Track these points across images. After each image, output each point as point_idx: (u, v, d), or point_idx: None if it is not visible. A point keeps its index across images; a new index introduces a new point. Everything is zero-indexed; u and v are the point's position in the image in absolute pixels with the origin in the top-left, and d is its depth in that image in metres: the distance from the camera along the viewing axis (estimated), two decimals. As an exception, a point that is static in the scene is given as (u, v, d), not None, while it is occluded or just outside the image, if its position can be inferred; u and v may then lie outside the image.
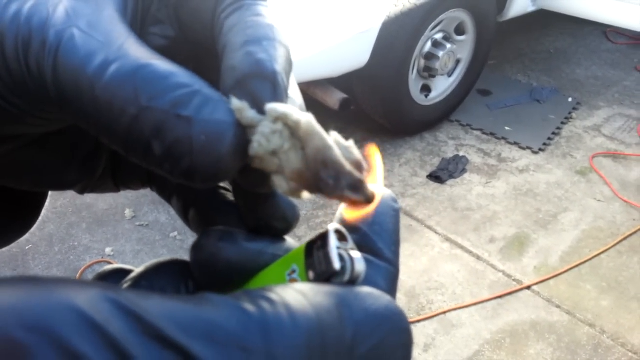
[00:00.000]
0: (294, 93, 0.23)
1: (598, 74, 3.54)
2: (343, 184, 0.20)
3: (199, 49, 0.24)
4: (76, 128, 0.26)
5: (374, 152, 0.24)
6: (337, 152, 0.20)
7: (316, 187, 0.20)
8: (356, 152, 0.21)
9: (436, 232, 2.32)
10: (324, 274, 0.20)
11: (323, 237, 0.21)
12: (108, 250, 2.21)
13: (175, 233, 2.28)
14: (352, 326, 0.18)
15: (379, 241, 0.23)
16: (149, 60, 0.19)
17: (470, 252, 2.22)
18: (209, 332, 0.16)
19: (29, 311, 0.15)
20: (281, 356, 0.16)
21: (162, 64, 0.19)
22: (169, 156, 0.19)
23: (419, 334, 1.89)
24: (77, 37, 0.18)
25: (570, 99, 3.26)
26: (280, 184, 0.20)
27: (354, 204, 0.21)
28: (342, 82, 2.54)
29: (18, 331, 0.14)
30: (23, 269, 2.14)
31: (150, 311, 0.16)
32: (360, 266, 0.21)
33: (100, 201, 2.45)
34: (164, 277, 0.25)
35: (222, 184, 0.28)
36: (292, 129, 0.20)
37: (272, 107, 0.19)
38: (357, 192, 0.20)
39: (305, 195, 0.21)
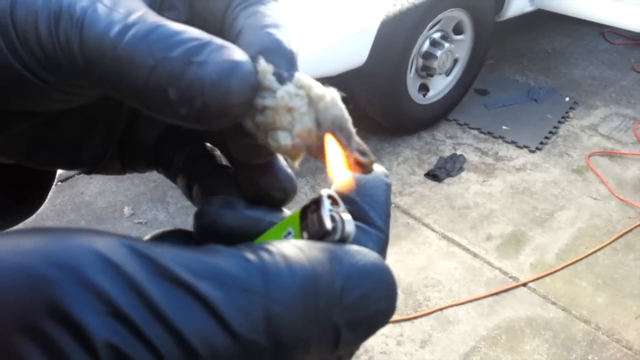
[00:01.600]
0: None
1: (595, 73, 3.56)
2: (353, 145, 0.22)
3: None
4: (91, 108, 0.28)
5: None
6: (350, 123, 0.22)
7: (317, 147, 0.22)
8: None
9: (433, 230, 2.33)
10: (317, 234, 0.22)
11: (316, 201, 0.23)
12: (78, 228, 2.22)
13: (174, 230, 2.29)
14: (341, 277, 0.20)
15: (370, 210, 0.25)
16: (164, 22, 0.20)
17: (467, 250, 2.23)
18: (214, 275, 0.18)
19: (54, 251, 0.16)
20: (278, 298, 0.18)
21: (177, 24, 0.20)
22: (184, 99, 0.20)
23: (416, 330, 1.90)
24: (100, 9, 0.20)
25: (567, 99, 3.28)
26: (284, 138, 0.22)
27: (356, 164, 0.22)
28: (340, 80, 2.55)
29: (44, 267, 0.16)
30: (22, 266, 2.14)
31: (162, 255, 0.17)
32: (350, 226, 0.23)
33: (99, 199, 2.46)
34: (175, 240, 0.27)
35: (224, 162, 0.30)
36: (312, 99, 0.22)
37: (300, 77, 0.22)
38: (364, 155, 0.22)
39: (299, 158, 0.23)
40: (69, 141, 0.29)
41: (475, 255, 2.21)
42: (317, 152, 0.22)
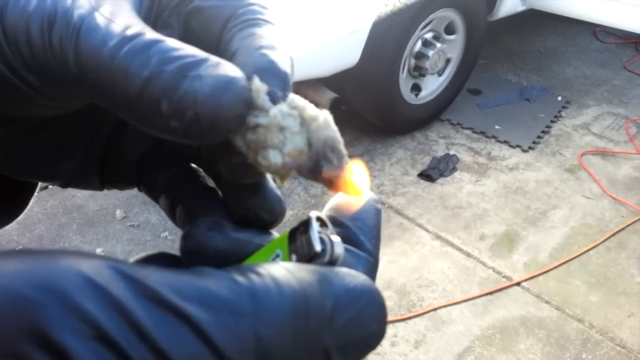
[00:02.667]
0: None
1: (587, 73, 3.57)
2: (343, 165, 0.22)
3: None
4: (72, 120, 0.28)
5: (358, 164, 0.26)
6: (342, 144, 0.23)
7: (307, 167, 0.22)
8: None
9: (427, 230, 2.33)
10: (305, 256, 0.22)
11: (305, 223, 0.23)
12: (99, 250, 2.21)
13: (166, 233, 2.28)
14: (331, 299, 0.20)
15: (361, 234, 0.25)
16: (162, 38, 0.20)
17: (460, 250, 2.23)
18: (201, 297, 0.17)
19: (37, 273, 0.16)
20: (267, 320, 0.18)
21: (175, 41, 0.21)
22: (175, 111, 0.20)
23: (410, 330, 1.90)
24: (98, 19, 0.20)
25: (559, 98, 3.28)
26: (275, 157, 0.22)
27: (348, 185, 0.23)
28: (333, 81, 2.55)
29: (28, 290, 0.15)
30: (13, 270, 2.13)
31: (148, 277, 0.17)
32: (339, 249, 0.23)
33: (91, 202, 2.45)
34: (161, 263, 0.27)
35: (208, 183, 0.30)
36: (304, 120, 0.22)
37: (292, 97, 0.22)
38: (354, 174, 0.23)
39: (289, 178, 0.23)
40: (47, 152, 0.28)
41: (468, 255, 2.21)
42: (307, 172, 0.22)
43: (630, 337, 1.88)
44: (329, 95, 2.56)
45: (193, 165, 0.31)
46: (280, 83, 0.22)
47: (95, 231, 2.30)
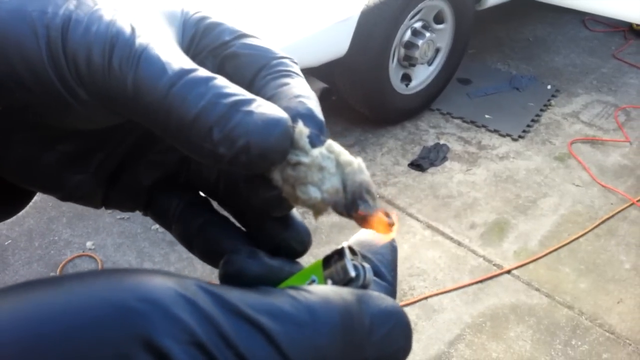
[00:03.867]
0: None
1: (576, 61, 3.58)
2: (377, 206, 0.25)
3: None
4: (90, 135, 0.29)
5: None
6: (374, 188, 0.25)
7: (344, 205, 0.25)
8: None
9: (417, 220, 2.33)
10: (342, 281, 0.25)
11: (339, 252, 0.26)
12: (89, 244, 2.20)
13: (157, 226, 2.27)
14: (369, 317, 0.23)
15: (382, 267, 0.29)
16: (216, 76, 0.23)
17: (451, 239, 2.24)
18: (270, 311, 0.20)
19: (139, 288, 0.18)
20: (323, 331, 0.21)
21: (227, 81, 0.23)
22: (226, 139, 0.22)
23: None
24: (157, 49, 0.23)
25: (549, 87, 3.29)
26: (314, 192, 0.24)
27: (381, 224, 0.25)
28: (322, 71, 2.54)
29: (133, 302, 0.18)
30: (2, 265, 2.12)
31: (226, 293, 0.20)
32: (370, 274, 0.25)
33: (81, 195, 2.43)
34: None
35: (223, 213, 0.32)
36: (339, 164, 0.25)
37: (331, 143, 0.25)
38: (387, 216, 0.25)
39: (323, 213, 0.26)
40: (59, 164, 0.29)
41: (459, 243, 2.22)
42: (342, 209, 0.25)
43: (619, 323, 1.89)
44: (319, 85, 2.55)
45: (202, 194, 0.33)
46: (318, 129, 0.25)
47: (86, 224, 2.29)
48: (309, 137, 0.24)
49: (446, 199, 2.45)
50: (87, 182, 0.31)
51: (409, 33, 2.70)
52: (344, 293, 0.23)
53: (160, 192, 0.32)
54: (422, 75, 2.91)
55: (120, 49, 0.22)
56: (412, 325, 1.75)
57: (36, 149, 0.28)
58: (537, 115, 3.03)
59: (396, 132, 2.88)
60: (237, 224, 0.31)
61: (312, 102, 0.25)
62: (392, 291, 0.29)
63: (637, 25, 3.77)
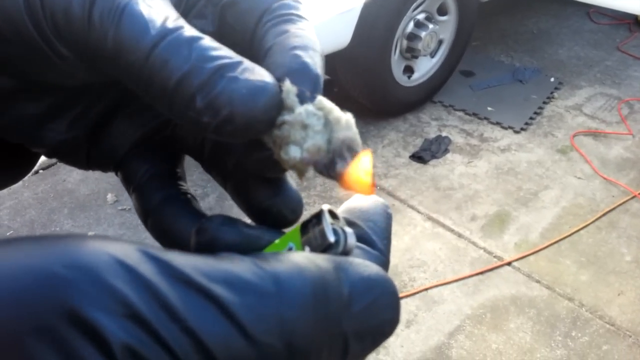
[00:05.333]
0: None
1: (580, 54, 3.56)
2: (359, 165, 0.23)
3: (234, 48, 0.27)
4: (66, 88, 0.28)
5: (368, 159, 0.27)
6: (360, 147, 0.24)
7: (324, 164, 0.23)
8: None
9: (418, 212, 2.33)
10: (319, 247, 0.23)
11: (317, 216, 0.24)
12: (90, 234, 2.20)
13: (158, 216, 2.28)
14: (348, 286, 0.21)
15: (373, 234, 0.26)
16: (202, 36, 0.22)
17: (451, 230, 2.24)
18: (227, 279, 0.18)
19: (69, 254, 0.16)
20: (291, 302, 0.19)
21: (213, 41, 0.22)
22: (210, 107, 0.21)
23: (402, 310, 1.90)
24: (141, 5, 0.21)
25: (552, 79, 3.28)
26: (294, 151, 0.23)
27: (358, 182, 0.23)
28: (324, 63, 2.53)
29: (59, 268, 0.16)
30: (5, 255, 2.12)
31: (175, 259, 0.18)
32: (352, 239, 0.23)
33: (82, 186, 2.44)
34: None
35: (187, 189, 0.30)
36: (329, 122, 0.23)
37: (321, 99, 0.23)
38: (364, 175, 0.23)
39: (306, 173, 0.24)
40: (34, 116, 0.28)
41: (460, 235, 2.22)
42: (322, 168, 0.24)
43: (619, 315, 1.89)
44: (321, 77, 2.54)
45: (179, 170, 0.31)
46: (310, 85, 0.23)
47: (87, 215, 2.30)
48: (298, 95, 0.23)
49: (447, 191, 2.45)
50: (64, 136, 0.30)
51: (411, 25, 2.69)
52: (320, 260, 0.21)
53: (135, 155, 0.31)
54: (425, 67, 2.90)
55: (101, 1, 0.21)
56: (412, 316, 1.76)
57: (6, 100, 0.27)
58: (540, 108, 3.02)
59: (398, 124, 2.87)
60: (199, 209, 0.30)
61: (309, 54, 0.24)
62: (383, 261, 0.26)
63: (642, 17, 3.74)
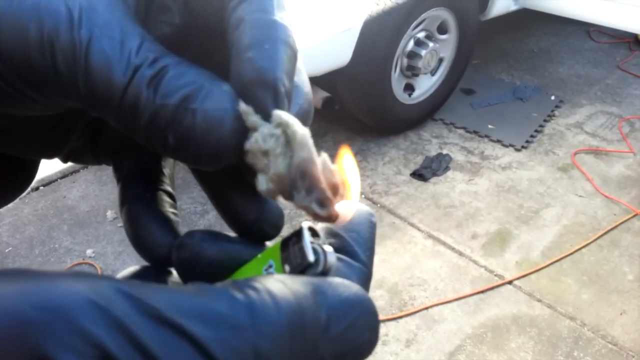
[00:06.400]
0: (301, 80, 0.25)
1: (581, 72, 3.57)
2: (312, 198, 0.21)
3: (205, 32, 0.26)
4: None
5: (351, 165, 0.26)
6: (318, 169, 0.21)
7: (289, 193, 0.22)
8: (337, 177, 0.23)
9: (419, 229, 2.32)
10: (299, 266, 0.22)
11: (297, 234, 0.23)
12: (89, 252, 2.20)
13: (158, 233, 2.27)
14: (326, 310, 0.20)
15: (356, 245, 0.26)
16: (166, 61, 0.21)
17: (452, 249, 2.23)
18: (202, 314, 0.18)
19: (38, 294, 0.16)
20: (267, 333, 0.18)
21: (176, 66, 0.22)
22: (181, 145, 0.21)
23: (401, 329, 1.89)
24: (103, 40, 0.21)
25: (552, 97, 3.28)
26: (261, 183, 0.22)
27: (316, 217, 0.22)
28: (325, 81, 2.55)
29: (29, 310, 0.15)
30: (3, 271, 2.12)
31: (149, 295, 0.17)
32: (332, 258, 0.23)
33: (82, 203, 2.44)
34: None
35: (168, 187, 0.30)
36: (289, 138, 0.21)
37: (278, 114, 0.21)
38: (322, 208, 0.22)
39: (280, 199, 0.23)
40: (45, 132, 0.29)
41: (460, 253, 2.20)
42: (289, 197, 0.22)
43: (622, 335, 1.87)
44: (321, 94, 2.55)
45: (164, 164, 0.31)
46: (270, 94, 0.22)
47: (86, 232, 2.29)
48: (257, 111, 0.22)
49: (448, 208, 2.44)
50: (79, 144, 0.30)
51: (412, 43, 2.70)
52: (297, 285, 0.20)
53: (124, 148, 0.31)
54: (425, 85, 2.91)
55: (61, 45, 0.20)
56: (412, 335, 1.74)
57: (17, 123, 0.27)
58: (541, 126, 3.02)
59: (398, 142, 2.87)
60: (165, 209, 0.29)
61: (263, 53, 0.22)
62: (366, 273, 0.26)
63: (642, 36, 3.76)
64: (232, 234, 0.27)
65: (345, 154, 0.25)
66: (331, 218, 0.22)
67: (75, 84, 0.21)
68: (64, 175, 2.60)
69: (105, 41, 0.21)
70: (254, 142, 0.22)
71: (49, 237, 2.27)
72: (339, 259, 0.25)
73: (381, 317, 1.92)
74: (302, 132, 0.21)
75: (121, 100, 0.21)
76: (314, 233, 0.23)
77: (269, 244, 0.27)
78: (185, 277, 0.26)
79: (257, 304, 0.19)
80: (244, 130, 0.22)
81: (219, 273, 0.25)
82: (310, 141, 0.22)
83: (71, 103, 0.22)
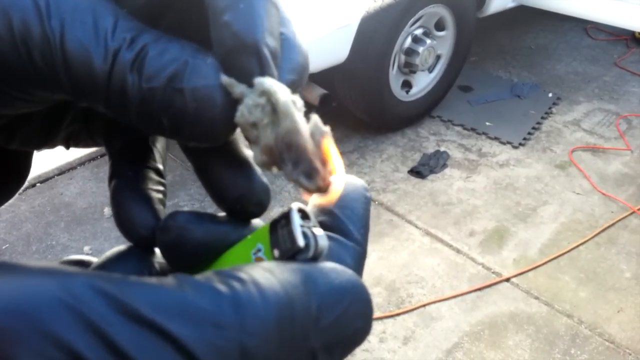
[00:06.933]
0: (290, 31, 0.23)
1: (578, 69, 3.57)
2: (299, 170, 0.20)
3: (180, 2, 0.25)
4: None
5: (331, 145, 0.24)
6: (304, 139, 0.20)
7: (280, 165, 0.21)
8: (327, 138, 0.22)
9: (416, 227, 2.32)
10: (288, 252, 0.21)
11: (286, 216, 0.22)
12: (86, 248, 2.19)
13: (155, 230, 2.26)
14: (317, 299, 0.19)
15: (349, 223, 0.25)
16: (144, 39, 0.20)
17: (450, 246, 2.23)
18: (183, 311, 0.17)
19: (6, 297, 0.15)
20: (253, 329, 0.17)
21: (155, 43, 0.20)
22: (175, 127, 0.21)
23: (399, 327, 1.89)
24: (77, 27, 0.20)
25: (550, 94, 3.28)
26: (255, 155, 0.21)
27: (306, 190, 0.21)
28: (322, 78, 2.54)
29: (1, 316, 0.14)
30: (0, 269, 2.11)
31: (125, 292, 0.16)
32: (323, 242, 0.21)
33: (79, 199, 2.43)
34: (126, 264, 0.26)
35: (157, 164, 0.29)
36: (274, 106, 0.20)
37: (260, 82, 0.20)
38: (310, 180, 0.21)
39: (275, 170, 0.22)
40: (43, 119, 0.28)
41: (458, 251, 2.20)
42: (281, 168, 0.21)
43: (619, 333, 1.88)
44: (319, 91, 2.55)
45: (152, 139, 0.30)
46: (253, 60, 0.20)
47: (83, 229, 2.29)
48: (240, 80, 0.20)
49: (446, 206, 2.44)
50: (75, 128, 0.30)
51: (409, 40, 2.70)
52: (286, 274, 0.19)
53: (113, 126, 0.30)
54: (423, 82, 2.91)
55: (34, 42, 0.19)
56: (410, 333, 1.74)
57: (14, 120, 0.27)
58: (538, 123, 3.02)
59: (396, 139, 2.87)
60: (155, 187, 0.28)
61: (238, 15, 0.20)
62: (360, 252, 0.25)
63: (640, 33, 3.76)
64: (220, 213, 0.26)
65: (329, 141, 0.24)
66: (321, 190, 0.21)
67: (57, 77, 0.20)
68: (61, 172, 2.59)
69: (78, 28, 0.20)
70: (240, 115, 0.21)
71: (46, 234, 2.26)
72: (331, 239, 0.24)
73: (379, 314, 1.92)
74: (284, 99, 0.20)
75: (107, 88, 0.20)
76: (303, 215, 0.22)
77: (257, 221, 0.26)
78: (170, 260, 0.25)
79: (243, 298, 0.17)
80: (231, 105, 0.21)
81: (206, 255, 0.24)
82: (293, 109, 0.20)
83: (58, 96, 0.22)
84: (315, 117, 0.22)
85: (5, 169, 0.30)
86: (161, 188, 0.28)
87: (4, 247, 2.20)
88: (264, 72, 0.20)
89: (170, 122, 0.21)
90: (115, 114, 0.21)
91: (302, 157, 0.20)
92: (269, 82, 0.20)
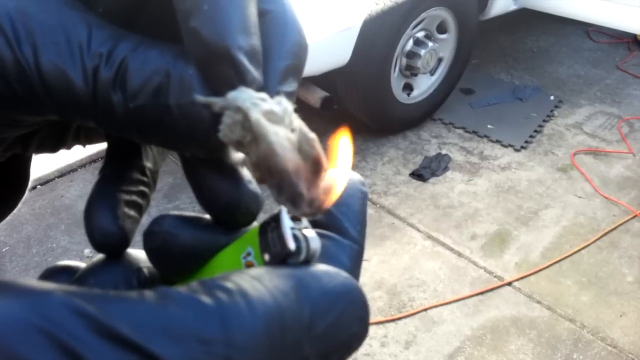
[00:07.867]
0: (282, 2, 0.22)
1: (580, 72, 3.57)
2: (284, 196, 0.19)
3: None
4: None
5: (343, 136, 0.24)
6: (283, 161, 0.18)
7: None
8: (316, 147, 0.20)
9: (418, 230, 2.31)
10: (279, 255, 0.20)
11: (276, 218, 0.21)
12: (87, 251, 2.18)
13: (156, 233, 2.26)
14: (309, 306, 0.18)
15: (345, 221, 0.24)
16: (122, 54, 0.19)
17: (451, 249, 2.22)
18: (166, 328, 0.16)
19: None
20: (241, 344, 0.16)
21: (133, 53, 0.19)
22: (170, 143, 0.21)
23: (400, 331, 1.88)
24: (50, 51, 0.19)
25: (552, 97, 3.28)
26: (249, 169, 0.21)
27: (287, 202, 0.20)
28: (324, 80, 2.54)
29: None
30: (0, 272, 2.10)
31: (104, 310, 0.15)
32: (315, 244, 0.20)
33: (80, 202, 2.42)
34: (113, 271, 0.25)
35: (147, 163, 0.28)
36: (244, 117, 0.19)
37: (233, 97, 0.18)
38: (294, 207, 0.19)
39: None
40: (57, 124, 0.27)
41: (460, 254, 2.20)
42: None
43: (621, 337, 1.87)
44: (320, 94, 2.54)
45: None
46: (228, 69, 0.19)
47: (84, 232, 2.25)
48: (216, 93, 0.19)
49: (447, 209, 2.43)
50: (85, 129, 0.29)
51: (411, 42, 2.69)
52: (276, 280, 0.18)
53: None
54: (424, 85, 2.90)
55: (10, 71, 0.19)
56: (411, 337, 1.73)
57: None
58: (540, 126, 3.01)
59: (397, 142, 2.87)
60: (135, 188, 0.27)
61: (205, 19, 0.19)
62: (357, 250, 0.24)
63: (641, 36, 3.76)
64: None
65: (343, 136, 0.23)
66: (308, 215, 0.20)
67: (41, 102, 0.19)
68: (61, 174, 2.58)
69: (51, 50, 0.19)
70: (222, 135, 0.19)
71: (46, 236, 2.26)
72: (326, 237, 0.23)
73: (380, 318, 1.91)
74: (255, 117, 0.18)
75: (94, 108, 0.20)
76: (294, 216, 0.21)
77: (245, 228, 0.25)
78: (158, 265, 0.25)
79: (229, 310, 0.16)
80: (213, 116, 0.20)
81: (194, 259, 0.24)
82: (266, 128, 0.18)
83: (49, 118, 0.21)
84: (299, 125, 0.20)
85: (5, 182, 0.30)
86: (141, 188, 0.27)
87: (4, 250, 2.20)
88: (242, 79, 0.19)
89: (164, 137, 0.20)
90: (109, 132, 0.21)
91: (284, 181, 0.19)
92: (242, 97, 0.18)
